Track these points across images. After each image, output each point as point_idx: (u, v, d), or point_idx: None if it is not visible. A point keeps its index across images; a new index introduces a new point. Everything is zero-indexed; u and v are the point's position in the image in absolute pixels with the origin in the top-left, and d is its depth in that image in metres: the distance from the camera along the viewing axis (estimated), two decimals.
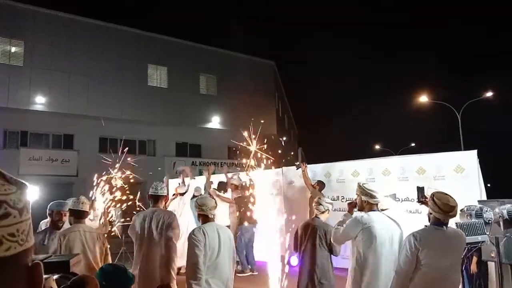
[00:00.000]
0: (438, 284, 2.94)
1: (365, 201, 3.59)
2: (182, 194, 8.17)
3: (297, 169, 7.67)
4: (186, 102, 21.58)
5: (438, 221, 3.03)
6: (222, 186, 8.32)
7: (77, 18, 19.25)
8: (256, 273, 7.40)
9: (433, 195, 3.08)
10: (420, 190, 4.35)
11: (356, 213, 3.65)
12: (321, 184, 7.43)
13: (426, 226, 3.19)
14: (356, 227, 3.49)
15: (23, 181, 0.73)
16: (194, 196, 8.09)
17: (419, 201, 4.29)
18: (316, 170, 8.15)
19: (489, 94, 23.83)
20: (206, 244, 3.43)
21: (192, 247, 3.41)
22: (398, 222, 3.59)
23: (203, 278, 3.35)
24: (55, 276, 1.56)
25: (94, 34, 19.35)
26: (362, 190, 3.62)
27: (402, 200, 6.41)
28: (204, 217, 3.67)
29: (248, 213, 7.68)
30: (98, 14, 21.27)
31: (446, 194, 3.09)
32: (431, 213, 3.10)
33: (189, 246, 3.46)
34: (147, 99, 20.52)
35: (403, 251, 3.04)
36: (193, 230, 3.55)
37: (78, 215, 4.21)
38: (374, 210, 3.55)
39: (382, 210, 3.65)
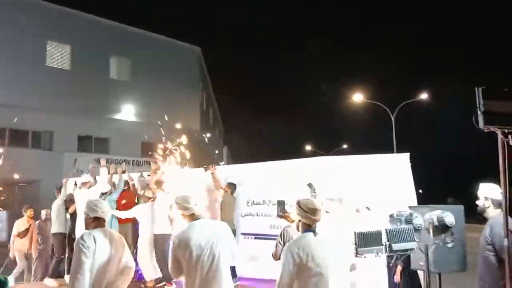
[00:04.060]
0: None
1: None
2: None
3: (205, 171, 7.77)
4: (93, 87, 20.70)
5: (309, 227, 3.55)
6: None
7: None
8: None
9: (298, 201, 3.59)
10: (281, 203, 4.75)
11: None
12: (232, 186, 7.60)
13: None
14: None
15: None
16: (102, 194, 7.87)
17: (278, 215, 4.71)
18: (242, 171, 8.20)
19: (424, 96, 25.64)
20: (95, 251, 3.51)
21: (79, 253, 3.49)
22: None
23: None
24: None
25: None
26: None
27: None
28: (96, 221, 3.75)
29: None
30: None
31: (309, 199, 3.68)
32: (300, 220, 3.59)
33: (75, 252, 3.54)
34: (44, 82, 19.44)
35: (284, 263, 3.40)
36: (82, 235, 3.63)
37: None
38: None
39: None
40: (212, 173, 7.58)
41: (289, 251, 3.44)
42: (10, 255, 8.93)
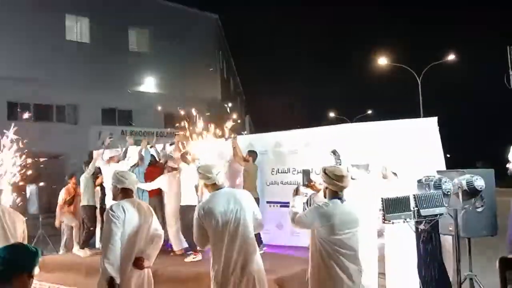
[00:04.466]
0: (336, 255, 3.53)
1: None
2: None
3: (226, 140, 7.77)
4: (113, 60, 20.74)
5: (336, 194, 3.63)
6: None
7: None
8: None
9: (324, 169, 3.68)
10: (305, 173, 4.74)
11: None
12: (253, 155, 7.62)
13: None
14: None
15: None
16: (131, 167, 7.95)
17: (304, 185, 4.69)
18: (266, 140, 8.21)
19: (451, 57, 24.95)
20: (125, 221, 3.60)
21: (109, 223, 3.58)
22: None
23: (117, 258, 3.52)
24: None
25: None
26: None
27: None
28: (125, 192, 3.82)
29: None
30: None
31: (335, 166, 3.84)
32: (326, 188, 3.70)
33: (106, 222, 3.64)
34: (65, 56, 19.54)
35: (310, 214, 3.64)
36: (111, 206, 3.71)
37: None
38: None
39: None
40: (233, 143, 7.61)
41: (317, 210, 3.60)
42: (56, 224, 9.14)
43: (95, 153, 8.82)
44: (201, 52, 23.55)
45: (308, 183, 4.68)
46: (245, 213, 3.72)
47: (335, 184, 3.59)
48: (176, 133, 8.49)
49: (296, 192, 4.27)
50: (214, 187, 3.84)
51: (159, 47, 22.44)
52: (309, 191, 4.74)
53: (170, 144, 8.49)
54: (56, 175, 17.89)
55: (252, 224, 3.78)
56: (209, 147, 8.13)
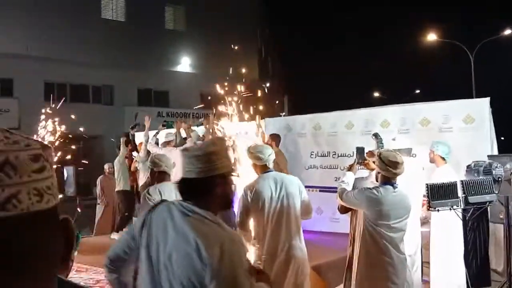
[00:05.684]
0: (382, 240, 3.56)
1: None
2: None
3: (249, 122, 7.74)
4: (149, 39, 20.99)
5: (388, 180, 3.56)
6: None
7: None
8: None
9: (379, 153, 3.61)
10: (359, 150, 4.63)
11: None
12: (276, 138, 7.53)
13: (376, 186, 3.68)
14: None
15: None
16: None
17: (358, 163, 4.61)
18: (305, 122, 8.16)
19: (508, 32, 23.85)
20: None
21: (146, 206, 3.62)
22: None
23: None
24: None
25: None
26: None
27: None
28: (161, 175, 3.88)
29: None
30: None
31: (392, 151, 3.66)
32: (379, 173, 3.65)
33: (142, 205, 3.75)
34: (100, 36, 19.91)
35: (359, 192, 3.67)
36: (148, 189, 3.78)
37: None
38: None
39: None
40: (258, 123, 7.60)
41: (366, 194, 3.58)
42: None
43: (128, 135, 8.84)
44: (238, 30, 23.48)
45: (362, 161, 4.63)
46: (293, 199, 3.73)
47: (389, 171, 3.50)
48: (208, 115, 8.44)
49: (350, 168, 4.30)
50: (263, 169, 3.84)
51: (195, 25, 22.51)
52: (361, 173, 4.69)
53: (197, 125, 8.51)
54: (93, 157, 18.50)
55: (300, 210, 3.79)
56: (239, 129, 8.11)
